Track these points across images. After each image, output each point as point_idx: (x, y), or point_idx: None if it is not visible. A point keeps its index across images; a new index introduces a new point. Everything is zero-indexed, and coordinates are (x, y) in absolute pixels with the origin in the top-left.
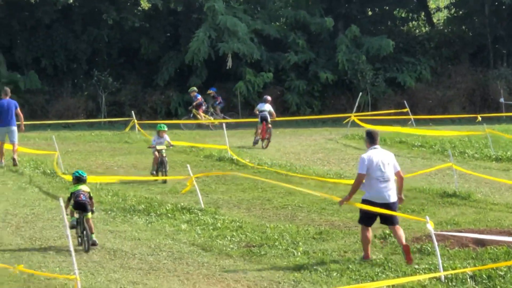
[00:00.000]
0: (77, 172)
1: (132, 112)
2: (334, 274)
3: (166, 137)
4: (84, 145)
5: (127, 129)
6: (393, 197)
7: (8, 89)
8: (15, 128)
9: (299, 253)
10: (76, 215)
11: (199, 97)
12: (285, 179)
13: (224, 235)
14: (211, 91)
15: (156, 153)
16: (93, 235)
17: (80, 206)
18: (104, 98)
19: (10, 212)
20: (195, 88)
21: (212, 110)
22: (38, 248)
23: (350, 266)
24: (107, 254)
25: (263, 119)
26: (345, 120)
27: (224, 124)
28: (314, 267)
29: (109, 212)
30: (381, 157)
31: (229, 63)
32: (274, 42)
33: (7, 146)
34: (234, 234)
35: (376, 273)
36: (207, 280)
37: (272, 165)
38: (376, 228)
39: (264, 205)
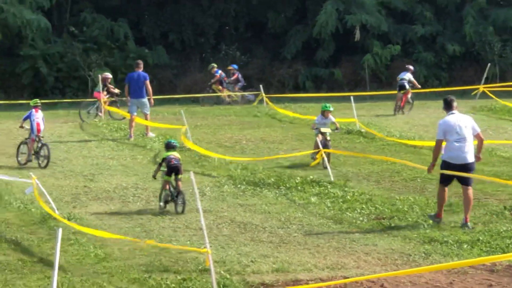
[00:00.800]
0: (169, 140)
1: (260, 86)
2: (465, 246)
3: (332, 118)
4: (212, 119)
5: (255, 102)
6: (470, 158)
7: (140, 62)
8: (145, 100)
9: (429, 225)
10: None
11: (219, 73)
12: (413, 151)
13: (353, 207)
14: (231, 67)
15: (320, 135)
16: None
17: (173, 169)
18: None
19: (140, 187)
20: (214, 65)
21: (228, 85)
22: (168, 222)
23: (481, 238)
24: (237, 228)
25: (400, 87)
26: (474, 92)
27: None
28: (445, 239)
29: (239, 186)
30: (458, 120)
31: (357, 36)
32: (401, 15)
33: (139, 120)
34: (364, 206)
35: (507, 245)
36: (338, 252)
37: (400, 137)
38: (506, 200)
39: (393, 177)
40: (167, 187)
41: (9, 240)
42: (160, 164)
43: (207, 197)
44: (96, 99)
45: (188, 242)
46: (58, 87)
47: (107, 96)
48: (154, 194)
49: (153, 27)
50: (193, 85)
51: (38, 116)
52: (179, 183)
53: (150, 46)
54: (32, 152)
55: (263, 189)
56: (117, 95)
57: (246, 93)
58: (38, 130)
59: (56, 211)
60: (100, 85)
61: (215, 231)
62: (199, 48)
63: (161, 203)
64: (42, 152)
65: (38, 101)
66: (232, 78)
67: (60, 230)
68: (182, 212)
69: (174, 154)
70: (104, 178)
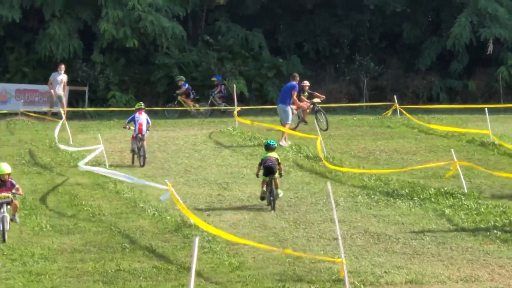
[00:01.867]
0: (268, 141)
1: (394, 96)
2: None
3: None
4: (346, 129)
5: (389, 113)
6: None
7: (296, 74)
8: (288, 109)
9: None
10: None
11: (185, 86)
12: None
13: (487, 220)
14: (214, 79)
15: None
16: (278, 190)
17: (268, 169)
18: (365, 83)
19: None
20: (182, 77)
21: (211, 98)
22: (302, 232)
23: None
24: (371, 238)
25: None
26: None
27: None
28: None
29: (372, 196)
30: None
31: (490, 49)
32: None
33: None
34: (498, 219)
35: None
36: (471, 265)
37: None
38: None
39: None
40: (264, 184)
41: (144, 247)
42: (260, 164)
43: (341, 207)
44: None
45: (322, 252)
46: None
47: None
48: (288, 203)
49: (288, 37)
50: (327, 94)
51: (142, 117)
52: (273, 181)
53: (284, 55)
54: (138, 148)
55: (397, 199)
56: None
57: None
58: (140, 130)
59: (190, 219)
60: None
61: (348, 241)
62: (334, 58)
63: (260, 200)
64: (141, 152)
65: (142, 105)
66: (216, 91)
67: (197, 238)
68: (273, 208)
69: (272, 155)
70: (238, 187)
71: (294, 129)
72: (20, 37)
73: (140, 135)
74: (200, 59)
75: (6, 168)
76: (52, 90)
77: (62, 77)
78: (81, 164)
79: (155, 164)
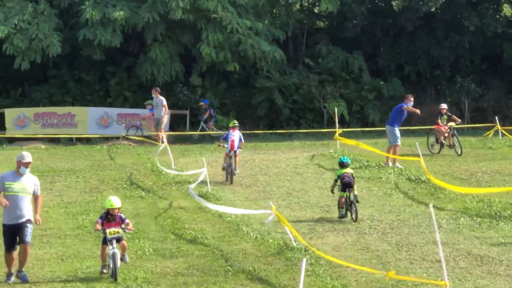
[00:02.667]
0: (342, 158)
1: (496, 117)
2: None
3: None
4: (448, 150)
5: (490, 134)
6: None
7: (409, 95)
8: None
9: None
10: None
11: (151, 112)
12: None
13: None
14: (202, 103)
15: None
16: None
17: (346, 185)
18: (467, 104)
19: (376, 218)
20: (150, 102)
21: (203, 125)
22: (404, 254)
23: None
24: (474, 260)
25: None
26: None
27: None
28: None
29: (475, 218)
30: None
31: None
32: None
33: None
34: None
35: None
36: None
37: None
38: None
39: None
40: (342, 200)
41: (246, 270)
42: (336, 181)
43: (444, 229)
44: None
45: (425, 275)
46: (294, 118)
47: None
48: (390, 226)
49: (388, 59)
50: (428, 117)
51: (235, 134)
52: (351, 195)
53: (385, 77)
54: (228, 165)
55: (499, 221)
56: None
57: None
58: (232, 147)
59: (293, 242)
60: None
61: (451, 263)
62: (434, 80)
63: (341, 213)
64: (230, 169)
65: (236, 123)
66: (205, 116)
67: (305, 260)
68: (355, 220)
69: (347, 171)
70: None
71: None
72: (121, 62)
73: (232, 151)
74: (300, 82)
75: (116, 202)
76: (151, 114)
77: (157, 100)
78: (191, 188)
79: (257, 187)
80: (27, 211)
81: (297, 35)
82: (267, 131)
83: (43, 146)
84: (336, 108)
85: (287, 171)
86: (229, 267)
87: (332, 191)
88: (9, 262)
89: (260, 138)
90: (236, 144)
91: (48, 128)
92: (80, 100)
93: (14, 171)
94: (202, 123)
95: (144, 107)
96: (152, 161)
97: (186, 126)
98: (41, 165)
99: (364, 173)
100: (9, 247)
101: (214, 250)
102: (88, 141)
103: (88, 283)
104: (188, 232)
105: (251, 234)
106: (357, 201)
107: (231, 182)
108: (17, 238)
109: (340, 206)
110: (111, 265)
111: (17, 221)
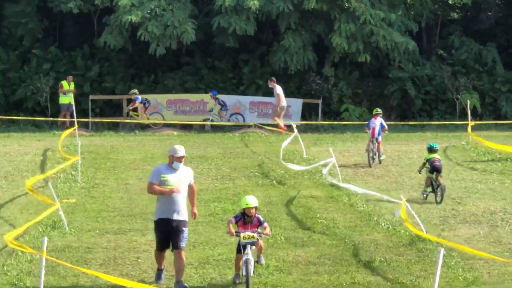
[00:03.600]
0: (431, 144)
1: None
2: None
3: None
4: None
5: None
6: None
7: None
8: None
9: None
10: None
11: (138, 100)
12: None
13: None
14: (211, 94)
15: None
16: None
17: (435, 168)
18: None
19: (509, 211)
20: (135, 91)
21: (210, 116)
22: None
23: None
24: None
25: None
26: None
27: None
28: None
29: None
30: None
31: None
32: None
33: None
34: None
35: None
36: None
37: None
38: None
39: None
40: (429, 181)
41: (378, 260)
42: (424, 164)
43: None
44: None
45: None
46: (426, 109)
47: None
48: None
49: None
50: None
51: (376, 122)
52: (439, 178)
53: None
54: (370, 149)
55: None
56: None
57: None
58: (373, 134)
59: (425, 232)
60: None
61: None
62: None
63: (424, 194)
64: (372, 153)
65: (379, 110)
66: (214, 107)
67: (442, 250)
68: (440, 202)
69: (436, 156)
70: (472, 202)
71: None
72: (255, 50)
73: (372, 138)
74: (433, 73)
75: (252, 201)
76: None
77: (273, 90)
78: (325, 172)
79: (389, 178)
80: (183, 206)
81: (430, 26)
82: (399, 122)
83: (175, 133)
84: (468, 100)
85: (419, 163)
86: (360, 257)
87: (420, 172)
88: (160, 259)
89: (391, 129)
90: (376, 131)
91: (181, 115)
92: (213, 88)
93: (167, 164)
94: (210, 116)
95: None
96: (285, 150)
97: (318, 115)
98: None
99: (497, 165)
100: (161, 247)
101: (346, 240)
102: (220, 128)
103: (219, 269)
104: (319, 221)
105: (383, 224)
106: (444, 190)
107: (370, 166)
108: (171, 242)
109: (426, 185)
110: (244, 273)
111: (172, 215)
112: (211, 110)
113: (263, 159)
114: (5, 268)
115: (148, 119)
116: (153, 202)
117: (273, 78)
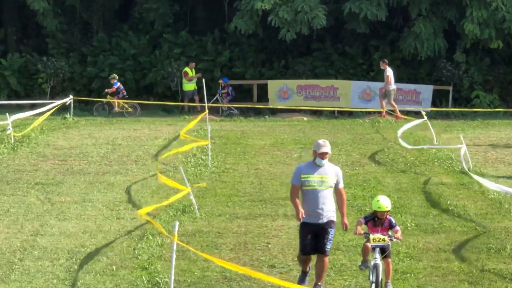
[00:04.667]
0: None
1: None
2: None
3: None
4: None
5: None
6: None
7: None
8: None
9: None
10: None
11: (116, 85)
12: None
13: None
14: (221, 81)
15: None
16: None
17: None
18: None
19: None
20: (114, 76)
21: (218, 97)
22: None
23: None
24: None
25: None
26: None
27: None
28: None
29: None
30: None
31: None
32: None
33: None
34: None
35: None
36: None
37: None
38: None
39: None
40: None
41: (509, 248)
42: None
43: None
44: None
45: None
46: None
47: None
48: None
49: None
50: None
51: None
52: None
53: None
54: None
55: None
56: None
57: (230, 105)
58: None
59: None
60: None
61: None
62: None
63: None
64: None
65: None
66: (223, 92)
67: None
68: None
69: None
70: None
71: None
72: (385, 35)
73: None
74: None
75: (385, 203)
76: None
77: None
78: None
79: None
80: (328, 209)
81: None
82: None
83: (305, 119)
84: None
85: None
86: (491, 245)
87: None
88: (305, 262)
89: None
90: None
91: (311, 100)
92: (343, 74)
93: (311, 161)
94: (218, 96)
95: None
96: (418, 136)
97: (449, 102)
98: (303, 137)
99: None
100: (306, 251)
101: (477, 227)
102: (350, 114)
103: (350, 255)
104: (450, 208)
105: None
106: None
107: None
108: (316, 244)
109: None
110: (372, 278)
111: (317, 220)
112: (219, 93)
113: (393, 145)
114: (136, 252)
115: (121, 105)
116: (283, 187)
117: (386, 60)
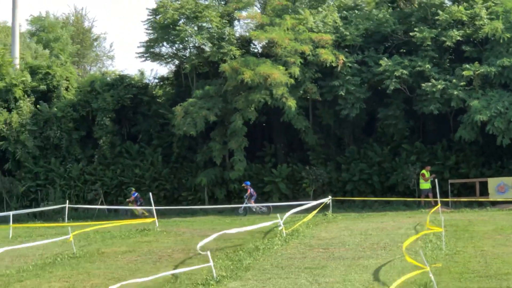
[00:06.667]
0: None
1: None
2: None
3: None
4: None
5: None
6: None
7: None
8: None
9: None
10: None
11: (134, 195)
12: None
13: None
14: (244, 185)
15: None
16: None
17: None
18: None
19: None
20: (132, 188)
21: (245, 201)
22: None
23: None
24: None
25: None
26: None
27: None
28: None
29: None
30: None
31: None
32: None
33: None
34: None
35: None
36: None
37: None
38: None
39: None
40: None
41: None
42: None
43: None
44: None
45: None
46: None
47: None
48: None
49: None
50: None
51: None
52: None
53: None
54: None
55: None
56: None
57: (259, 205)
58: None
59: None
60: None
61: None
62: None
63: None
64: None
65: None
66: (247, 194)
67: None
68: None
69: None
70: None
71: None
72: None
73: None
74: None
75: None
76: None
77: None
78: None
79: None
80: None
81: None
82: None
83: None
84: None
85: None
86: None
87: None
88: None
89: None
90: None
91: None
92: None
93: None
94: (245, 200)
95: None
96: None
97: None
98: None
99: None
100: None
101: None
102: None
103: None
104: None
105: None
106: None
107: None
108: None
109: None
110: None
111: None
112: (245, 197)
113: None
114: None
115: (140, 211)
116: (505, 265)
117: None
